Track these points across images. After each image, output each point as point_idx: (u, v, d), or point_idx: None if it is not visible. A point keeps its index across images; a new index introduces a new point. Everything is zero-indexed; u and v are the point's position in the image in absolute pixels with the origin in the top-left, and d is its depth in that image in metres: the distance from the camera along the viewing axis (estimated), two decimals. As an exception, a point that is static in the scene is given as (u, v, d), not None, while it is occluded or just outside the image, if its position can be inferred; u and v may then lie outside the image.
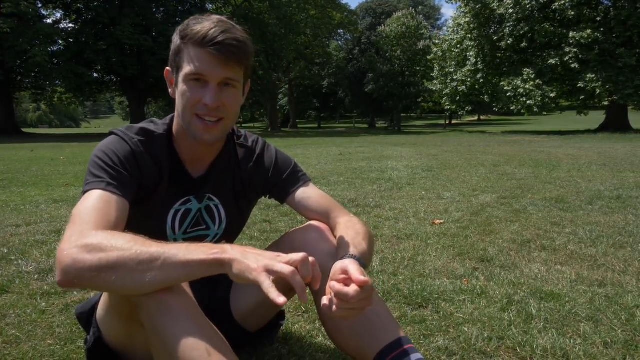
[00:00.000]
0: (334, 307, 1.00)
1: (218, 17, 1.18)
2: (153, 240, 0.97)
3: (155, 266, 0.92)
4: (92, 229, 0.99)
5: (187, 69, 1.15)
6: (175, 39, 1.18)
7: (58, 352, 1.59)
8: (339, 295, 0.99)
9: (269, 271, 0.90)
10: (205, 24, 1.13)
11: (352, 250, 1.15)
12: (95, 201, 1.07)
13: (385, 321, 1.18)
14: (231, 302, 1.44)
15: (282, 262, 0.93)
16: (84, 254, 0.93)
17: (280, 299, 0.87)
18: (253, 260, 0.92)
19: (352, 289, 0.98)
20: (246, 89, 1.28)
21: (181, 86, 1.17)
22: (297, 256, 0.94)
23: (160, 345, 0.99)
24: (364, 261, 1.13)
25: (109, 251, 0.93)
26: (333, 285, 1.01)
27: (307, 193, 1.39)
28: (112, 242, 0.94)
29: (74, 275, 0.93)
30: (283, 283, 1.33)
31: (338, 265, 1.07)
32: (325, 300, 1.03)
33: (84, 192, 1.11)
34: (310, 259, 0.96)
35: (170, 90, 1.26)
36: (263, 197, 1.49)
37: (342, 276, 1.02)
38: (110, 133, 1.26)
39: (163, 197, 1.29)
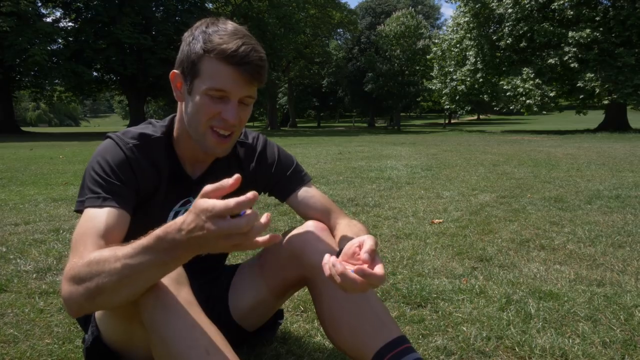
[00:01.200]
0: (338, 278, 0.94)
1: (235, 25, 1.15)
2: (126, 246, 0.93)
3: (129, 282, 0.92)
4: (82, 256, 1.00)
5: (208, 82, 1.12)
6: (195, 46, 1.13)
7: (56, 351, 1.59)
8: (344, 277, 0.92)
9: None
10: (232, 40, 1.10)
11: None
12: (90, 222, 1.09)
13: (383, 320, 1.18)
14: (229, 302, 1.44)
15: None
16: (75, 286, 0.96)
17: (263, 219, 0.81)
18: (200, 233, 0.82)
19: (359, 278, 0.92)
20: None
21: (198, 98, 1.14)
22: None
23: (159, 343, 0.99)
24: None
25: (89, 279, 0.94)
26: (337, 269, 0.93)
27: (310, 192, 1.40)
28: (92, 268, 0.94)
29: (76, 307, 0.98)
30: (283, 278, 1.33)
31: (355, 240, 1.02)
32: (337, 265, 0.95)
33: (83, 207, 1.13)
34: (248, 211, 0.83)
35: (175, 93, 1.22)
36: (263, 196, 1.49)
37: (362, 258, 0.95)
38: (106, 137, 1.25)
39: (162, 199, 1.29)
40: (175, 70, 1.20)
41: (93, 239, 1.05)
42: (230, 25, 1.15)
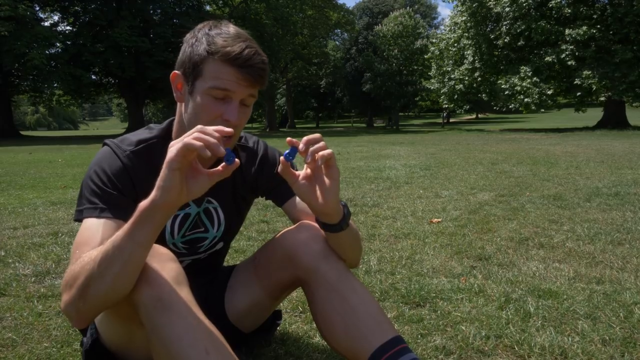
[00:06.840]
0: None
1: (237, 29, 1.16)
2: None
3: (111, 255, 0.95)
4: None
5: (212, 82, 1.12)
6: (198, 48, 1.13)
7: (54, 354, 1.58)
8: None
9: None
10: (235, 43, 1.12)
11: None
12: (88, 232, 1.11)
13: (378, 321, 1.18)
14: (225, 303, 1.43)
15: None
16: (69, 290, 1.00)
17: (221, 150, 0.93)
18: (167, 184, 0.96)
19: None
20: None
21: (199, 98, 1.15)
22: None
23: (158, 344, 0.99)
24: (348, 207, 1.20)
25: (79, 275, 0.98)
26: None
27: None
28: (80, 262, 1.00)
29: (74, 313, 1.01)
30: (277, 279, 1.33)
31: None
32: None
33: (82, 217, 1.15)
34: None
35: (176, 94, 1.22)
36: (260, 198, 1.49)
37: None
38: (104, 144, 1.25)
39: None
40: (176, 71, 1.20)
41: (87, 250, 1.06)
42: (232, 28, 1.16)
